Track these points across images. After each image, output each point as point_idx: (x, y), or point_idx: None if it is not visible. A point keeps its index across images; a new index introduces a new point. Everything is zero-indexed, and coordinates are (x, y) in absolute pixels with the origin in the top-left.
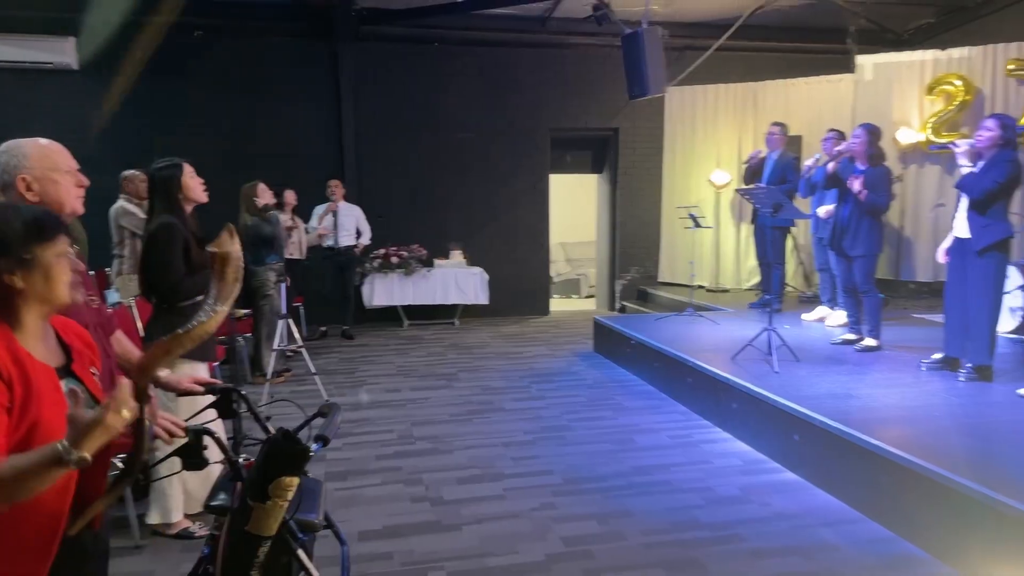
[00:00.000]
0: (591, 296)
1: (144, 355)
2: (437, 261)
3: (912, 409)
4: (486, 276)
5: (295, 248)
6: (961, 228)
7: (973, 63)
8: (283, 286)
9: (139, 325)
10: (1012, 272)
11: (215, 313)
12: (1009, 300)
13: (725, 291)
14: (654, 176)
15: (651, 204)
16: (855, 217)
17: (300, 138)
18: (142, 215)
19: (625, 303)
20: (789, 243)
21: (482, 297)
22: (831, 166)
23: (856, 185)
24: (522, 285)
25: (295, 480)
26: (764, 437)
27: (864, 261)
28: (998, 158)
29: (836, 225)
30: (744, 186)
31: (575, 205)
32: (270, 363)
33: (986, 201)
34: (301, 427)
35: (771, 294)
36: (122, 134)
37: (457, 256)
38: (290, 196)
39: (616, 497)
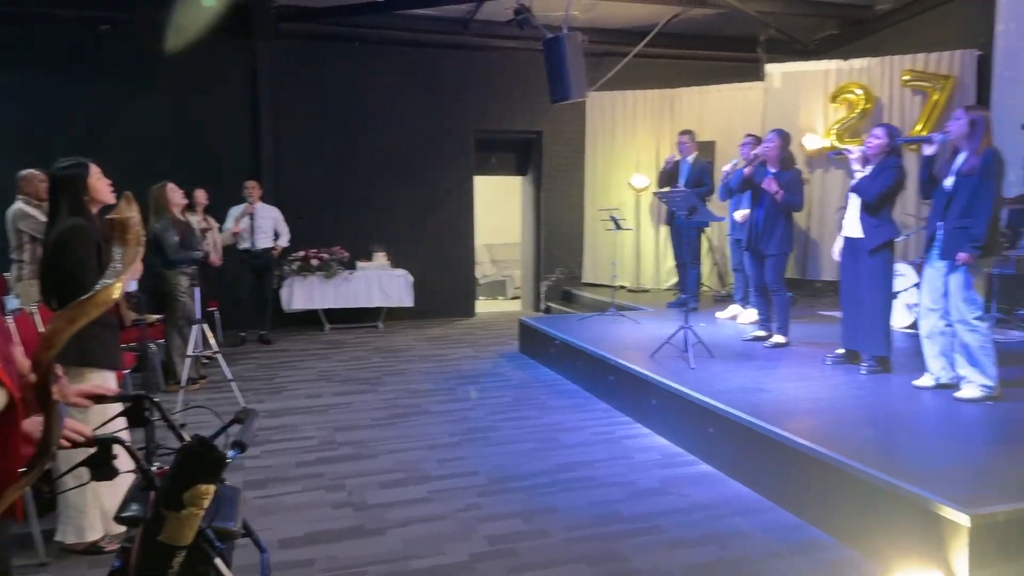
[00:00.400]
0: (517, 297)
1: (48, 327)
2: (360, 263)
3: (817, 401)
4: (410, 278)
5: (210, 250)
6: (852, 229)
7: (872, 73)
8: (197, 290)
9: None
10: (908, 270)
11: (118, 278)
12: (905, 297)
13: (645, 291)
14: (577, 179)
15: (574, 206)
16: (769, 218)
17: (215, 137)
18: (42, 218)
19: (550, 304)
20: (704, 244)
21: (406, 299)
22: (747, 170)
23: (773, 186)
24: (447, 287)
25: (211, 488)
26: (682, 431)
27: (775, 260)
28: (885, 164)
29: (751, 227)
30: (660, 189)
31: (500, 207)
32: (184, 370)
33: (877, 204)
34: (217, 434)
35: (687, 293)
36: (16, 132)
37: (380, 258)
38: (201, 196)
39: (541, 495)
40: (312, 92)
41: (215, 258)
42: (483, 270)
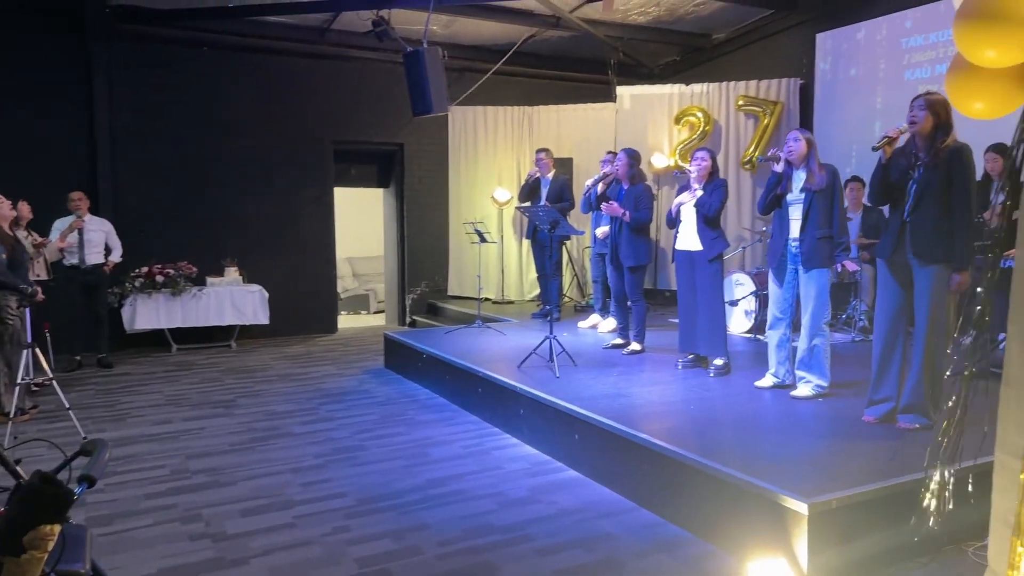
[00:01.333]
0: (380, 311)
1: None
2: (210, 279)
3: (671, 404)
4: (266, 294)
5: (41, 268)
6: (688, 242)
7: (711, 97)
8: (27, 311)
9: None
10: (746, 280)
11: None
12: (744, 304)
13: (510, 303)
14: (441, 191)
15: (439, 219)
16: (624, 232)
17: (44, 145)
18: None
19: (416, 318)
20: (564, 256)
21: (262, 317)
22: (601, 187)
23: (616, 210)
24: (307, 302)
25: (56, 528)
26: (549, 439)
27: (634, 273)
28: (716, 183)
29: (611, 240)
30: (522, 204)
31: (361, 219)
32: (12, 400)
33: (715, 218)
34: (61, 468)
35: (550, 304)
36: None
37: (233, 273)
38: (24, 209)
39: (411, 512)
40: (156, 98)
41: (42, 275)
42: (344, 284)
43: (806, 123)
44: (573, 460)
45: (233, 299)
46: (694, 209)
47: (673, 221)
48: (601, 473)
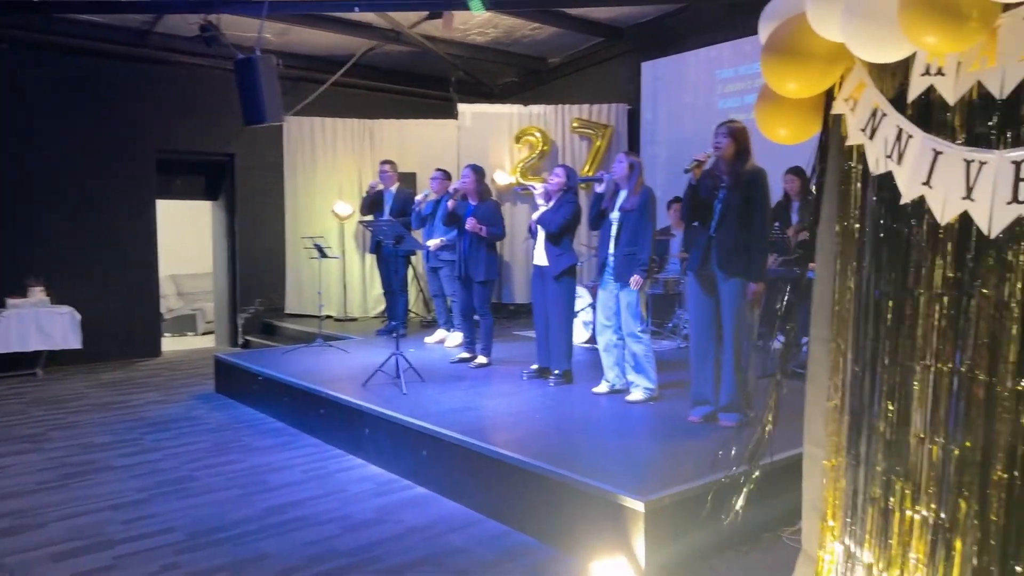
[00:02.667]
0: (210, 332)
1: None
2: (11, 301)
3: (515, 414)
4: (78, 316)
5: None
6: (540, 257)
7: (548, 118)
8: None
9: None
10: (583, 292)
11: None
12: (583, 316)
13: (353, 320)
14: (276, 205)
15: (274, 233)
16: (475, 247)
17: None
18: None
19: (249, 338)
20: (410, 272)
21: (73, 341)
22: (450, 204)
23: (470, 224)
24: (126, 324)
25: None
26: (396, 457)
27: (484, 288)
28: (565, 199)
29: (460, 255)
30: (364, 217)
31: (188, 234)
32: None
33: (559, 234)
34: None
35: (396, 321)
36: None
37: (38, 294)
38: None
39: (249, 543)
40: None
41: None
42: (168, 304)
43: (633, 146)
44: (421, 477)
45: (39, 322)
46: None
47: (533, 235)
48: (449, 488)
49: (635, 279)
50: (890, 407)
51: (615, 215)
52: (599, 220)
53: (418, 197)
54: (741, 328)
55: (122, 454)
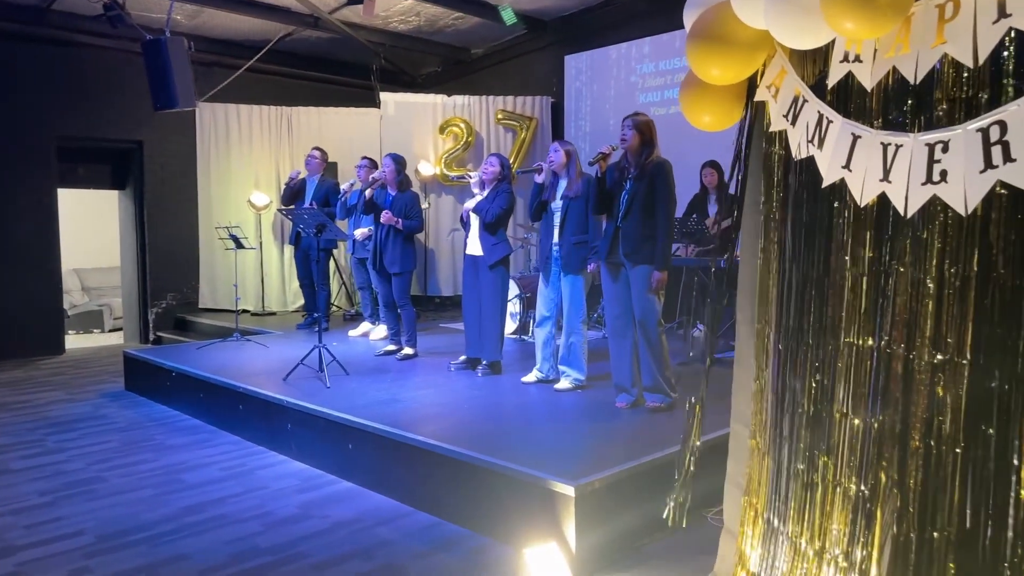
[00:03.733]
0: (117, 329)
1: None
2: None
3: (444, 405)
4: None
5: None
6: (473, 247)
7: (473, 109)
8: None
9: None
10: (511, 284)
11: None
12: (510, 307)
13: (272, 314)
14: (189, 195)
15: (187, 225)
16: (392, 238)
17: None
18: None
19: (161, 334)
20: (331, 264)
21: None
22: (368, 192)
23: (384, 217)
24: (25, 321)
25: None
26: (320, 452)
27: (401, 278)
28: (500, 189)
29: (376, 246)
30: (283, 207)
31: (91, 226)
32: None
33: (495, 224)
34: None
35: (318, 314)
36: None
37: None
38: None
39: (166, 543)
40: None
41: None
42: (72, 299)
43: (557, 138)
44: (346, 471)
45: None
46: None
47: (465, 225)
48: (376, 481)
49: (592, 266)
50: (813, 384)
51: (557, 204)
52: (540, 211)
53: (344, 186)
54: (651, 312)
55: (22, 456)
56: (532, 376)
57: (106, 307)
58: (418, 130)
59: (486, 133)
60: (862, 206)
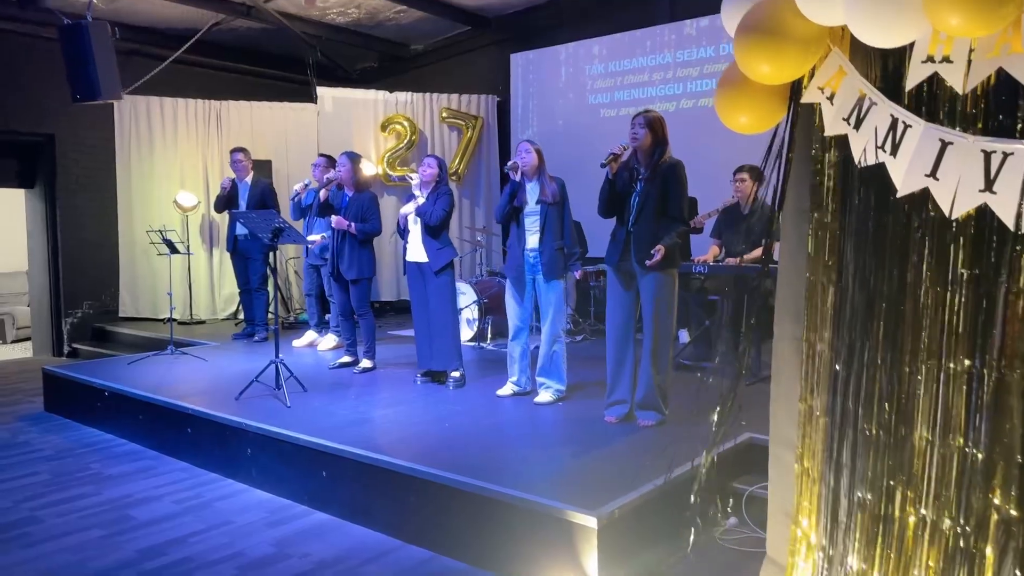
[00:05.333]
0: (23, 340)
1: None
2: None
3: (419, 424)
4: None
5: None
6: (416, 253)
7: (416, 107)
8: None
9: None
10: (467, 289)
11: None
12: (466, 313)
13: (201, 322)
14: (107, 194)
15: (104, 227)
16: (348, 242)
17: None
18: None
19: (77, 345)
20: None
21: None
22: (323, 193)
23: (335, 222)
24: None
25: None
26: (288, 480)
27: (359, 286)
28: (440, 191)
29: (334, 253)
30: (216, 213)
31: None
32: None
33: (439, 227)
34: None
35: (257, 322)
36: None
37: None
38: None
39: None
40: None
41: None
42: None
43: (503, 139)
44: (320, 501)
45: None
46: (418, 218)
47: (402, 231)
48: (357, 512)
49: (578, 272)
50: (886, 408)
51: (533, 208)
52: (511, 215)
53: (297, 186)
54: (662, 324)
55: None
56: (507, 389)
57: (8, 316)
58: (358, 127)
59: (430, 132)
60: (952, 218)
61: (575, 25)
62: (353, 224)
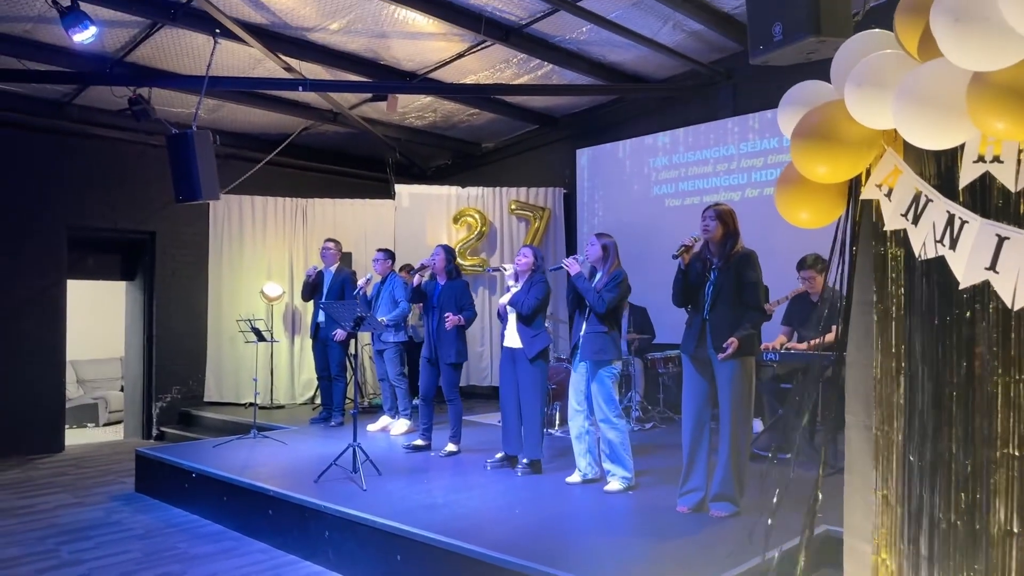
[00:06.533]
0: (114, 423)
1: None
2: None
3: (491, 509)
4: None
5: None
6: (511, 339)
7: (486, 200)
8: None
9: None
10: None
11: None
12: None
13: (280, 407)
14: (199, 286)
15: (195, 315)
16: (443, 327)
17: None
18: None
19: (164, 428)
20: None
21: None
22: (416, 279)
23: (450, 322)
24: (23, 416)
25: None
26: (363, 562)
27: (451, 370)
28: (535, 280)
29: (429, 336)
30: (303, 301)
31: (87, 317)
32: None
33: (532, 315)
34: None
35: (335, 407)
36: None
37: None
38: None
39: None
40: None
41: None
42: (67, 392)
43: (570, 229)
44: None
45: None
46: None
47: (502, 318)
48: None
49: (732, 344)
50: (962, 497)
51: None
52: (575, 303)
53: (360, 281)
54: (739, 413)
55: (38, 570)
56: (575, 476)
57: (101, 400)
58: (432, 221)
59: (500, 223)
60: (1014, 310)
61: (635, 121)
62: (460, 317)
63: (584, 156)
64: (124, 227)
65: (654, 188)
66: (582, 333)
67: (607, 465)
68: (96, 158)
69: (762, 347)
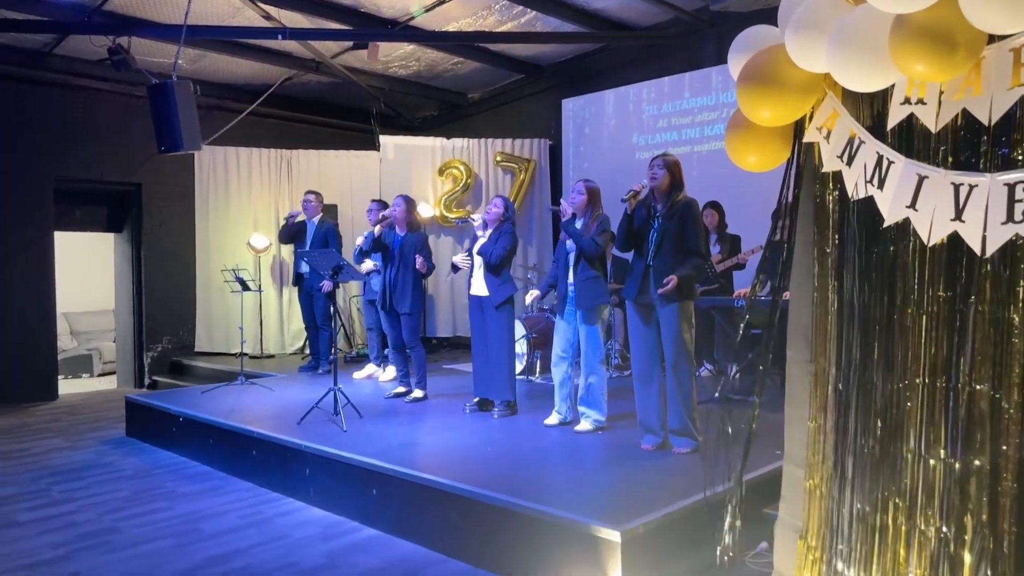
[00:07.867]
0: (107, 373)
1: None
2: None
3: (465, 447)
4: None
5: None
6: (478, 288)
7: (471, 152)
8: None
9: None
10: (517, 324)
11: None
12: (516, 347)
13: (270, 356)
14: (185, 237)
15: (183, 267)
16: (402, 279)
17: None
18: None
19: (156, 378)
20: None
21: None
22: (377, 230)
23: (419, 263)
24: (18, 366)
25: None
26: (341, 498)
27: (411, 319)
28: (503, 230)
29: (385, 287)
30: (282, 245)
31: (80, 269)
32: None
33: (499, 265)
34: None
35: (321, 356)
36: None
37: None
38: None
39: None
40: None
41: None
42: (61, 343)
43: (556, 180)
44: (370, 517)
45: None
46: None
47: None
48: (403, 528)
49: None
50: (880, 424)
51: (572, 245)
52: (562, 250)
53: (359, 240)
54: (682, 354)
55: (29, 507)
56: (553, 418)
57: (95, 351)
58: (417, 172)
59: (485, 175)
60: (929, 245)
61: (621, 70)
62: (425, 264)
63: (570, 105)
64: (110, 179)
65: (639, 137)
66: (571, 281)
67: (582, 408)
68: (80, 109)
69: (736, 294)
